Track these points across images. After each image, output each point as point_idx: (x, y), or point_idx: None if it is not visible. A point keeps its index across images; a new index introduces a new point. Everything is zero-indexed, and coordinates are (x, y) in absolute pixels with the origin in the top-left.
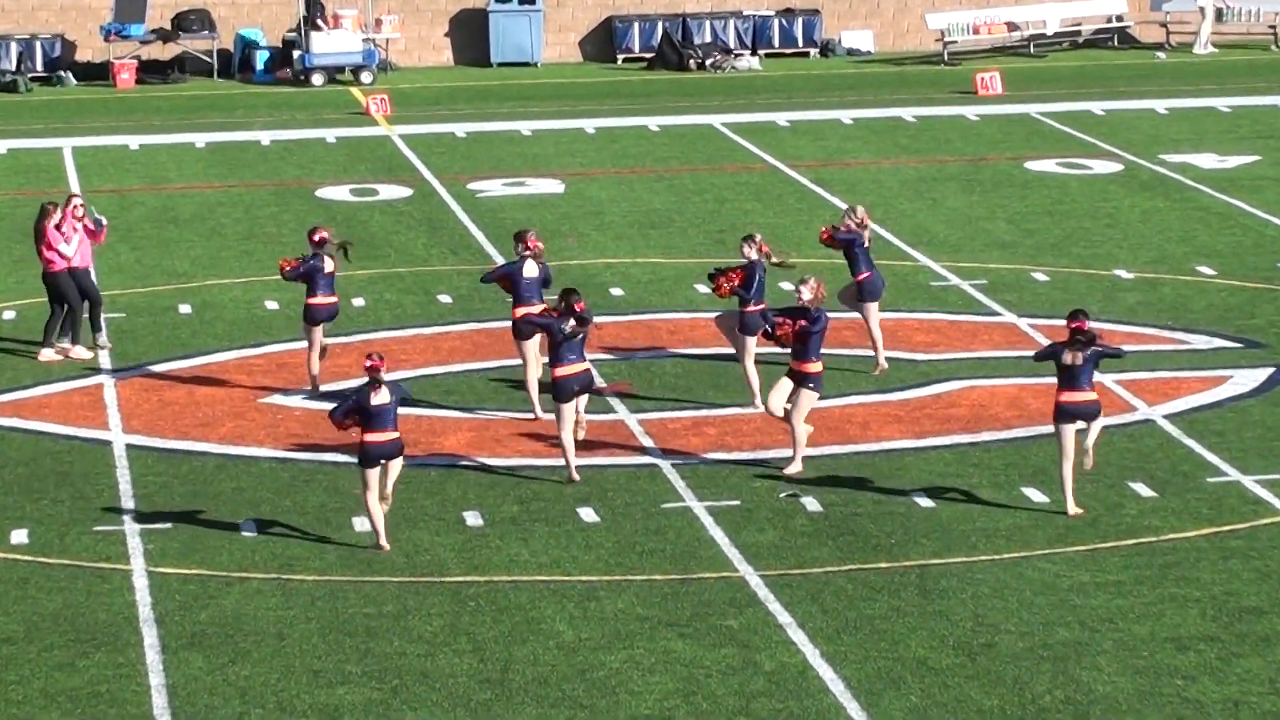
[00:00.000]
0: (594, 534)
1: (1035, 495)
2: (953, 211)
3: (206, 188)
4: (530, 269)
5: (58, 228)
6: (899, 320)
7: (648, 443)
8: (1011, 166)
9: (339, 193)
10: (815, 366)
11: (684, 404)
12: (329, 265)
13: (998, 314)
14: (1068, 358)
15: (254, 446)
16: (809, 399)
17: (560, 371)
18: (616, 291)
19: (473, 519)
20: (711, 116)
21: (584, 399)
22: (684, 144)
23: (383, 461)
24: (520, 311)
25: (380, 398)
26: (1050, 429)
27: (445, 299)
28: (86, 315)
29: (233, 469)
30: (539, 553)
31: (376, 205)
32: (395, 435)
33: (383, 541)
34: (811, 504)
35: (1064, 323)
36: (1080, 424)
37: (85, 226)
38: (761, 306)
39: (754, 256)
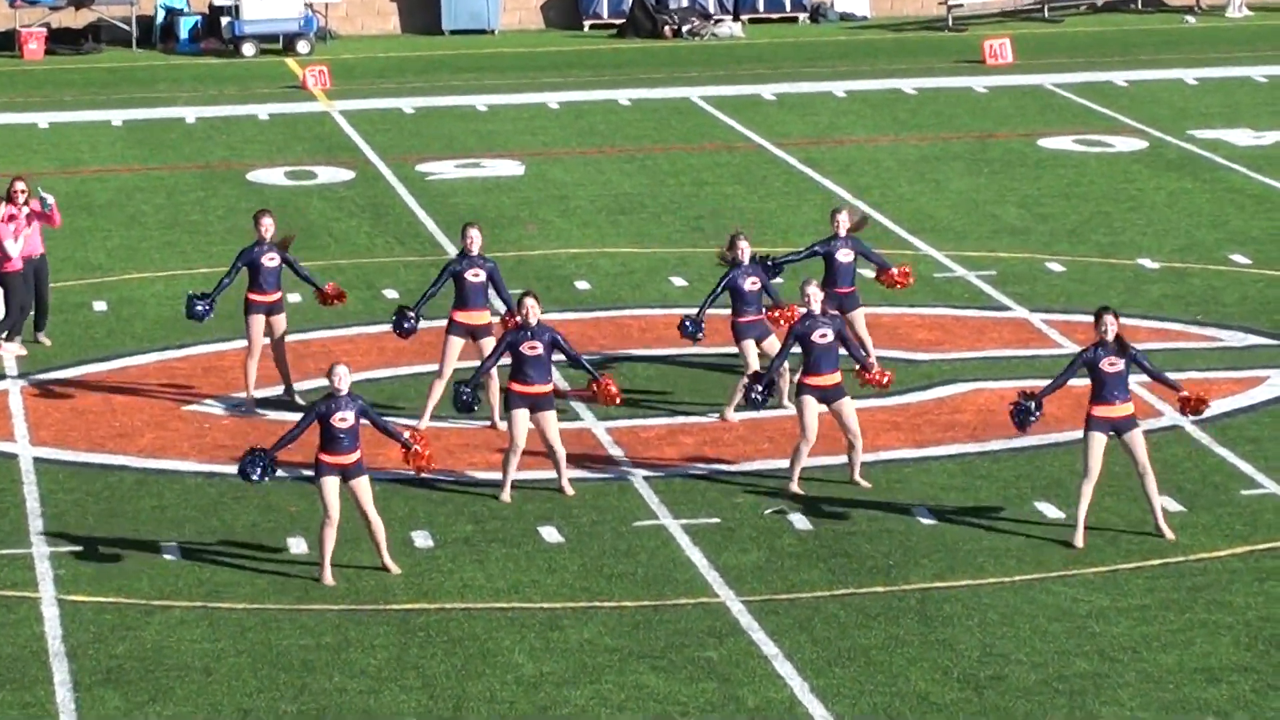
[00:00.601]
0: (557, 556)
1: (1049, 511)
2: (958, 194)
3: (124, 170)
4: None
5: (10, 219)
6: (898, 316)
7: (617, 453)
8: (1023, 144)
9: (273, 176)
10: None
11: (658, 410)
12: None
13: (1008, 308)
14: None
15: (177, 459)
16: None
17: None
18: (582, 285)
19: (422, 540)
20: (689, 89)
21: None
22: (658, 120)
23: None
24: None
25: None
26: (1062, 436)
27: (391, 294)
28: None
29: (154, 485)
30: (495, 577)
31: (315, 189)
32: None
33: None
34: (800, 521)
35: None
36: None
37: (34, 211)
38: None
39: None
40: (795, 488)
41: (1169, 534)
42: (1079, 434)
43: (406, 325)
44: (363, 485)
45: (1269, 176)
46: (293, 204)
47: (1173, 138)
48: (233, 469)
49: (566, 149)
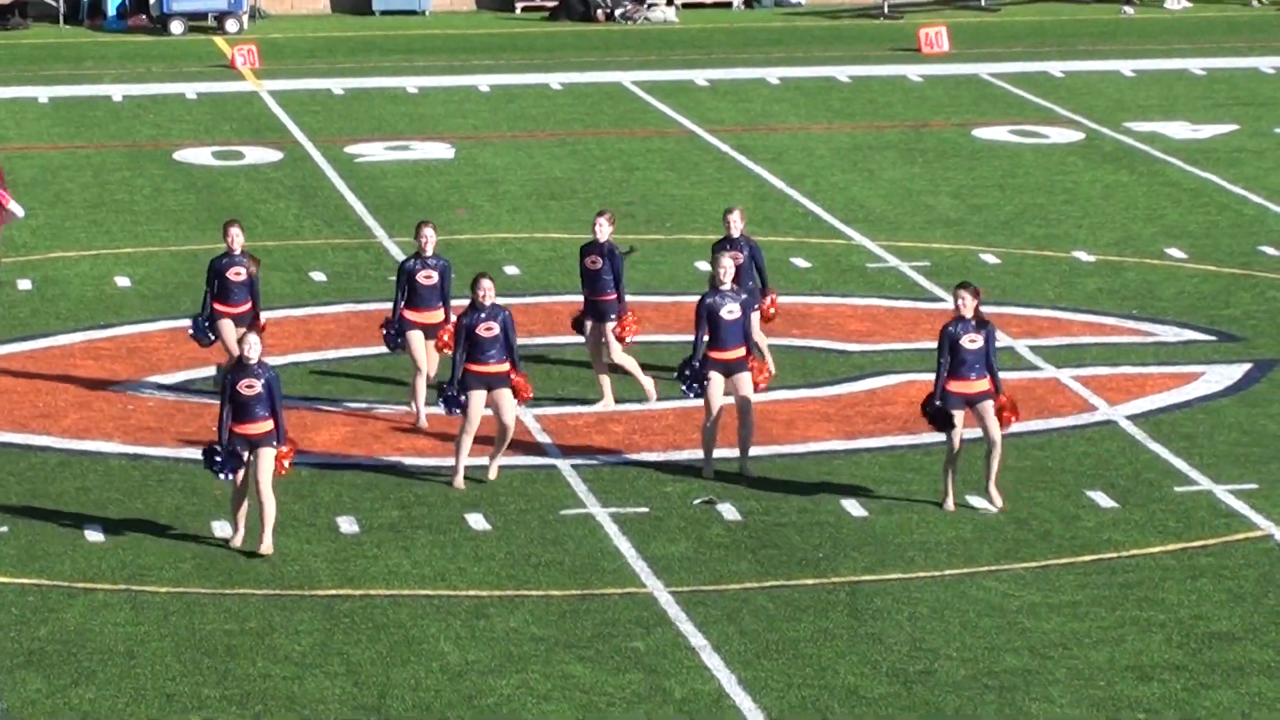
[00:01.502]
0: (484, 543)
1: (981, 504)
2: (891, 184)
3: (50, 148)
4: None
5: None
6: (829, 306)
7: (545, 440)
8: (958, 134)
9: (200, 155)
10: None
11: (587, 398)
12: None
13: (941, 300)
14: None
15: (101, 441)
16: None
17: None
18: (512, 270)
19: (347, 525)
20: (621, 74)
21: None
22: (590, 105)
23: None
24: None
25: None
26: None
27: (318, 276)
28: None
29: (77, 466)
30: (421, 564)
31: (242, 170)
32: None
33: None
34: (729, 512)
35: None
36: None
37: None
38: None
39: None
40: (711, 471)
41: (998, 502)
42: (1010, 427)
43: (388, 335)
44: (266, 458)
45: (1206, 170)
46: (220, 184)
47: (1109, 130)
48: (156, 450)
49: (497, 133)
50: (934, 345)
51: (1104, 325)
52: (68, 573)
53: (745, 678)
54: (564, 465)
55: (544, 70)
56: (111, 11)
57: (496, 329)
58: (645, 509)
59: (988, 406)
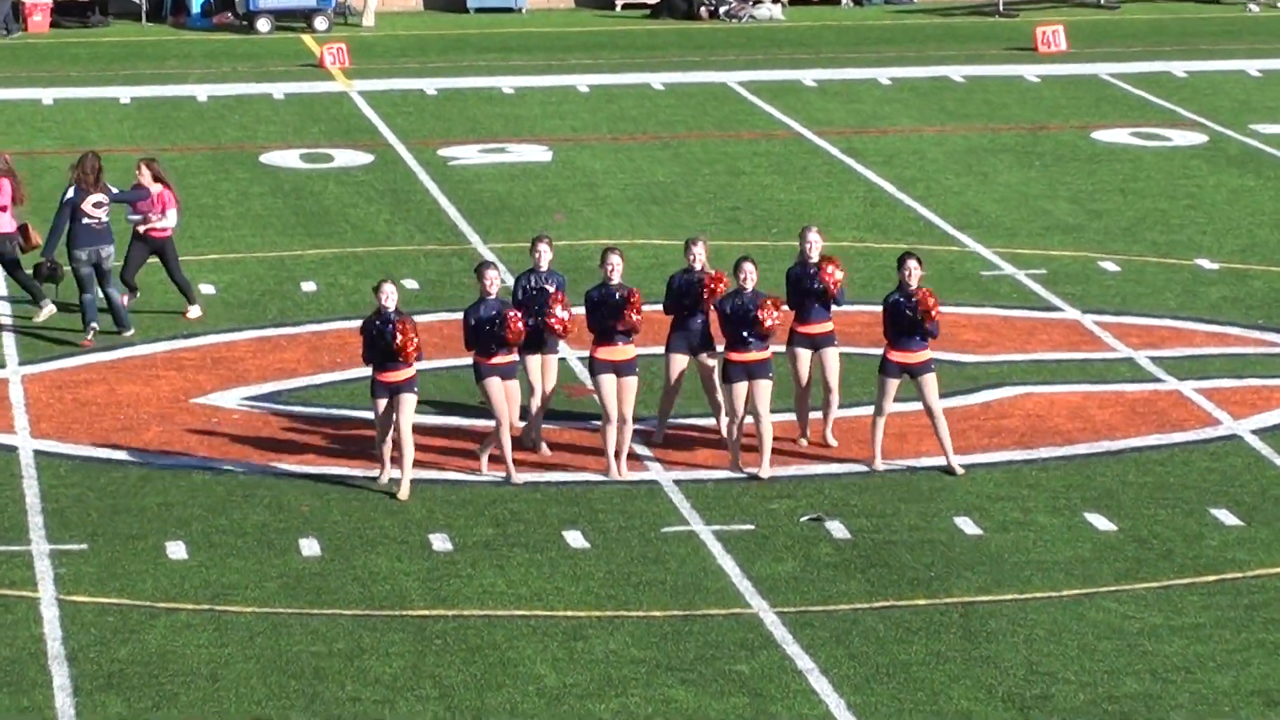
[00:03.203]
0: (582, 562)
1: (1100, 522)
2: (1007, 188)
3: (133, 150)
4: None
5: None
6: (942, 315)
7: (645, 455)
8: (1077, 136)
9: (287, 158)
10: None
11: (690, 410)
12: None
13: (1059, 309)
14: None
15: (184, 455)
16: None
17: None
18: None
19: (440, 543)
20: (726, 74)
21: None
22: (693, 106)
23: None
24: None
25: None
26: (1115, 444)
27: (411, 284)
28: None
29: (159, 481)
30: (517, 583)
31: (331, 173)
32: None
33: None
34: (838, 530)
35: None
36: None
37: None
38: None
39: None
40: (805, 441)
41: (958, 470)
42: (1131, 442)
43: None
44: (407, 402)
45: None
46: (308, 188)
47: (1234, 132)
48: (241, 465)
49: (596, 135)
50: (1051, 356)
51: (1228, 336)
52: (149, 592)
53: (854, 702)
54: (665, 481)
55: (645, 70)
56: (196, 9)
57: (767, 320)
58: (750, 526)
59: (927, 379)
